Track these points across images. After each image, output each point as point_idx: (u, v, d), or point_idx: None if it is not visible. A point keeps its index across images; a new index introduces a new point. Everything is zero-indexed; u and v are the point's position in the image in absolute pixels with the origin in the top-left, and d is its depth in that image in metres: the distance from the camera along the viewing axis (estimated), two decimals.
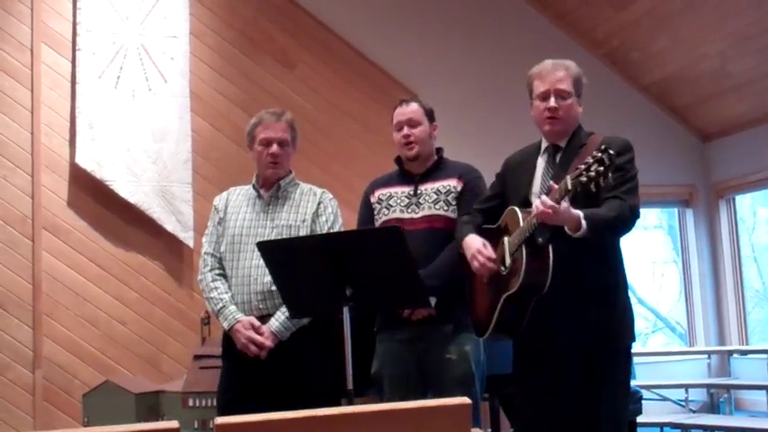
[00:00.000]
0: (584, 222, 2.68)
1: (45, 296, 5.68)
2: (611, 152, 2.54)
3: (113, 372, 5.64)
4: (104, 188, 5.80)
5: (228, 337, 3.43)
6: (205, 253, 3.53)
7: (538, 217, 2.69)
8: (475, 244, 2.99)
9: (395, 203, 3.51)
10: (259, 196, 3.54)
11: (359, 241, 3.03)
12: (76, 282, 5.78)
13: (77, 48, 5.83)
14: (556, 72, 2.99)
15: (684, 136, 7.77)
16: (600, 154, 2.54)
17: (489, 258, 2.93)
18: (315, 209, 3.51)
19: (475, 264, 2.97)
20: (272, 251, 3.08)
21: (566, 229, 2.71)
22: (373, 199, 3.59)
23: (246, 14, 6.39)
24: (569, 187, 2.60)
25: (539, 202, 2.69)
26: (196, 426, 4.18)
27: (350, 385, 2.87)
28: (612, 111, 7.01)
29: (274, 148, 3.49)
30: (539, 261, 2.76)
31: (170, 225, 5.86)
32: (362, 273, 2.90)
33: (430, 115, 3.57)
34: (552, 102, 2.96)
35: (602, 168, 2.52)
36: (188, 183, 5.96)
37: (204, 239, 3.59)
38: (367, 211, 3.61)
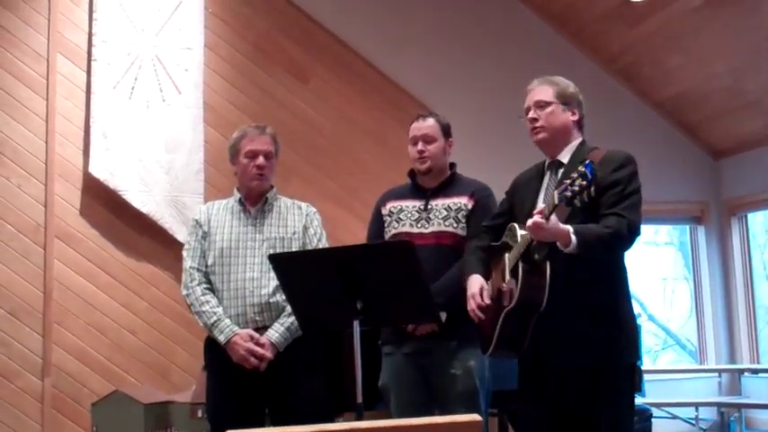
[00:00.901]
0: (573, 238, 2.68)
1: (56, 304, 5.70)
2: (594, 165, 2.56)
3: (122, 381, 5.65)
4: (117, 198, 5.82)
5: (213, 351, 3.42)
6: (190, 267, 3.50)
7: (529, 233, 2.71)
8: (473, 287, 3.01)
9: (405, 217, 3.51)
10: (245, 210, 3.55)
11: (370, 255, 3.03)
12: (87, 290, 5.79)
13: (93, 58, 5.87)
14: (537, 87, 3.04)
15: (696, 152, 7.75)
16: (583, 168, 2.55)
17: (480, 307, 2.94)
18: (303, 222, 3.54)
19: (468, 306, 2.99)
20: (284, 264, 3.08)
21: (558, 245, 2.71)
22: (384, 211, 3.60)
23: (261, 27, 6.42)
24: (556, 202, 2.61)
25: (530, 220, 2.70)
26: None
27: (359, 399, 2.86)
28: (625, 126, 7.01)
29: (260, 160, 3.51)
30: (536, 277, 2.77)
31: (181, 235, 5.84)
32: (373, 286, 2.90)
33: (446, 131, 3.58)
34: (531, 113, 3.00)
35: (584, 183, 2.53)
36: (200, 193, 5.97)
37: (186, 254, 3.55)
38: (377, 223, 3.62)
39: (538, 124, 2.99)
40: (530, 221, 2.70)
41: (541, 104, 2.99)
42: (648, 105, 7.56)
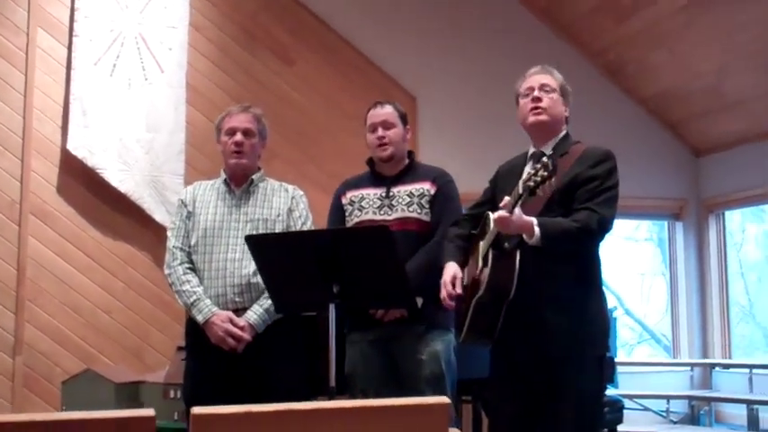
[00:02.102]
0: (537, 230, 2.70)
1: (29, 282, 5.65)
2: (555, 158, 2.62)
3: (96, 361, 5.61)
4: (95, 176, 5.77)
5: (194, 332, 3.41)
6: (173, 246, 3.49)
7: (496, 225, 2.74)
8: (446, 275, 3.00)
9: (367, 205, 3.50)
10: (230, 191, 3.53)
11: (347, 239, 3.03)
12: (62, 269, 5.74)
13: (74, 34, 5.80)
14: (542, 73, 3.05)
15: (678, 150, 7.79)
16: (546, 159, 2.58)
17: (450, 295, 2.93)
18: (288, 204, 3.52)
19: (442, 293, 2.98)
20: (261, 245, 3.06)
21: (524, 237, 2.73)
22: (344, 200, 3.59)
23: (247, 9, 6.37)
24: (520, 191, 2.63)
25: (496, 213, 2.71)
26: (176, 417, 4.15)
27: (332, 382, 2.86)
28: (609, 122, 7.04)
29: (238, 136, 3.49)
30: (504, 266, 2.78)
31: (159, 216, 5.82)
32: (350, 270, 2.90)
33: (404, 119, 3.60)
34: (536, 93, 2.99)
35: (546, 173, 2.56)
36: (180, 174, 5.93)
37: (170, 233, 3.55)
38: (338, 212, 3.61)
39: (542, 104, 2.97)
40: (495, 215, 2.72)
41: (548, 89, 3.00)
42: (632, 102, 7.58)
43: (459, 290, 2.94)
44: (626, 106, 7.54)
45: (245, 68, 6.31)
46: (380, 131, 3.51)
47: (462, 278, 2.99)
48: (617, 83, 7.51)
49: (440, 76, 6.81)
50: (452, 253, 3.10)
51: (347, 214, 3.55)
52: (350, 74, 6.56)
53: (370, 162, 3.60)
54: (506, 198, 2.71)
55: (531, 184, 2.58)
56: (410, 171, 3.54)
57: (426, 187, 3.46)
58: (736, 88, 6.88)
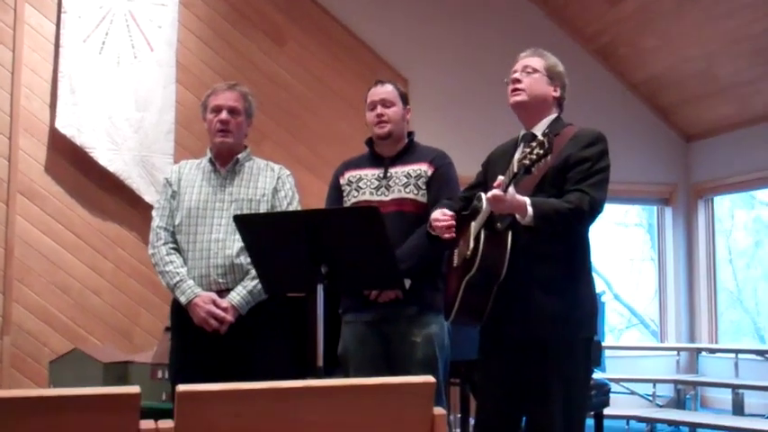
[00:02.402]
0: (530, 209, 2.69)
1: (17, 261, 5.62)
2: (552, 136, 2.60)
3: (84, 341, 5.60)
4: (84, 155, 5.74)
5: (179, 312, 3.39)
6: (157, 227, 3.46)
7: (489, 204, 2.73)
8: (435, 213, 3.02)
9: (364, 185, 3.49)
10: (215, 170, 3.50)
11: (336, 219, 3.01)
12: (51, 249, 5.72)
13: (63, 10, 5.75)
14: (529, 56, 3.06)
15: (668, 135, 7.81)
16: (542, 137, 2.58)
17: (445, 223, 2.93)
18: (274, 184, 3.49)
19: (436, 226, 2.98)
20: (249, 225, 3.04)
21: (516, 217, 2.73)
22: (343, 180, 3.57)
23: None
24: (515, 170, 2.63)
25: (490, 193, 2.71)
26: (164, 398, 4.14)
27: (320, 362, 2.86)
28: (600, 106, 7.04)
29: (223, 114, 3.44)
30: (496, 246, 2.78)
31: (149, 196, 5.79)
32: (339, 251, 2.88)
33: (404, 98, 3.57)
34: (516, 75, 3.01)
35: (541, 151, 2.56)
36: (170, 154, 5.91)
37: (155, 213, 3.52)
38: (336, 192, 3.59)
39: (519, 86, 2.99)
40: (489, 194, 2.71)
41: (529, 70, 3.01)
42: (623, 86, 7.60)
43: (444, 217, 2.94)
44: (617, 90, 7.56)
45: (235, 47, 6.27)
46: (379, 109, 3.48)
47: (453, 254, 2.98)
48: (609, 67, 7.52)
49: (432, 58, 6.80)
50: (441, 204, 3.12)
51: (345, 194, 3.53)
52: (341, 55, 6.53)
53: (369, 142, 3.57)
54: (500, 177, 2.71)
55: (527, 162, 2.57)
56: (409, 152, 3.52)
57: (424, 168, 3.44)
58: (725, 73, 6.89)
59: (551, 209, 2.74)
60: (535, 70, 3.00)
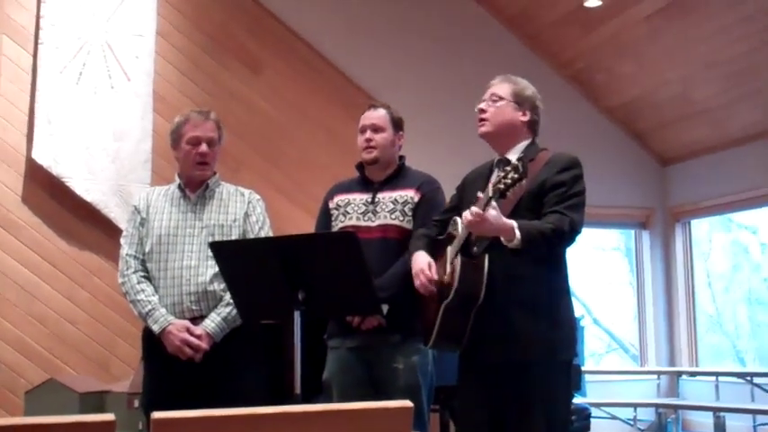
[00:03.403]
0: (517, 232, 2.69)
1: None
2: (526, 160, 2.62)
3: (61, 372, 5.53)
4: (61, 185, 5.71)
5: (150, 340, 3.35)
6: (127, 254, 3.42)
7: (467, 226, 2.72)
8: (420, 262, 2.99)
9: (352, 210, 3.48)
10: (184, 196, 3.47)
11: (313, 245, 2.99)
12: (27, 279, 5.67)
13: (40, 41, 5.75)
14: (497, 83, 3.07)
15: (645, 159, 7.88)
16: (516, 162, 2.60)
17: (430, 280, 2.93)
18: (245, 209, 3.47)
19: (417, 282, 2.98)
20: (225, 251, 3.03)
21: (501, 239, 2.73)
22: (332, 204, 3.56)
23: (215, 17, 6.36)
24: (490, 194, 2.64)
25: (467, 212, 2.71)
26: (140, 427, 4.10)
27: (297, 390, 2.84)
28: (576, 131, 7.09)
29: (203, 147, 3.42)
30: (473, 270, 2.78)
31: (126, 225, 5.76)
32: (316, 277, 2.86)
33: (397, 124, 3.55)
34: (482, 104, 3.03)
35: (516, 176, 2.58)
36: (147, 183, 5.88)
37: (123, 241, 3.48)
38: (325, 216, 3.58)
39: (483, 116, 3.02)
40: (467, 214, 2.70)
41: (495, 98, 3.02)
42: (599, 111, 7.67)
43: (435, 276, 2.93)
44: (593, 115, 7.63)
45: (212, 77, 6.28)
46: (368, 134, 3.48)
47: (435, 266, 2.99)
48: (584, 92, 7.59)
49: (407, 85, 6.83)
50: (420, 244, 3.10)
51: (333, 219, 3.52)
52: (318, 82, 6.56)
53: (360, 166, 3.57)
54: (473, 208, 2.71)
55: (502, 186, 2.58)
56: (398, 177, 3.51)
57: (411, 194, 3.43)
58: (701, 97, 6.98)
59: (537, 231, 2.74)
60: (500, 98, 3.01)
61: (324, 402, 3.43)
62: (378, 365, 3.34)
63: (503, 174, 2.61)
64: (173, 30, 6.20)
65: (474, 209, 2.68)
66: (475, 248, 2.81)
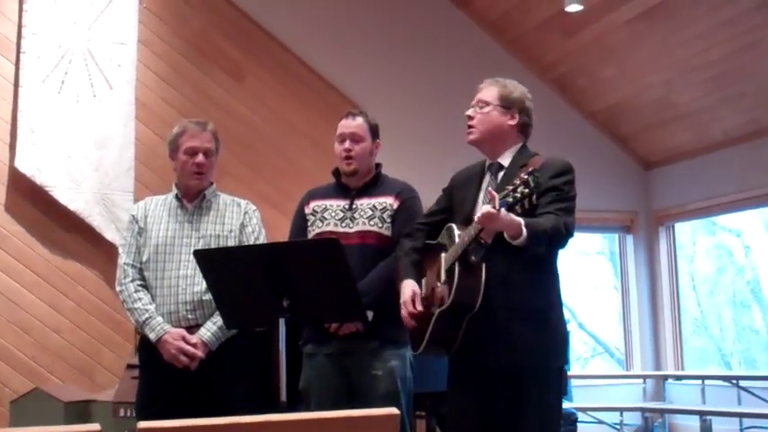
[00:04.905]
0: (524, 230, 2.67)
1: None
2: (537, 174, 2.57)
3: (46, 381, 5.50)
4: (44, 194, 5.69)
5: (147, 349, 3.37)
6: (125, 264, 3.44)
7: (480, 222, 2.67)
8: (406, 293, 2.98)
9: (329, 216, 3.48)
10: (182, 206, 3.49)
11: (297, 252, 2.99)
12: (10, 288, 5.63)
13: (22, 50, 5.73)
14: (485, 87, 3.06)
15: (628, 163, 7.91)
16: (526, 176, 2.57)
17: (411, 314, 2.93)
18: (241, 219, 3.49)
19: (402, 312, 2.97)
20: (209, 260, 3.03)
21: (506, 236, 2.72)
22: (308, 210, 3.56)
23: (197, 25, 6.35)
24: (497, 208, 2.60)
25: (485, 207, 2.68)
26: None
27: (283, 397, 2.83)
28: (559, 135, 7.08)
29: (200, 158, 3.45)
30: (471, 279, 2.77)
31: (110, 233, 5.75)
32: (300, 284, 2.86)
33: (374, 132, 3.55)
34: (470, 111, 3.02)
35: (526, 190, 2.55)
36: (130, 191, 5.87)
37: (121, 250, 3.50)
38: (300, 220, 3.57)
39: (471, 123, 3.01)
40: (484, 208, 2.65)
41: (481, 104, 3.01)
42: (582, 115, 7.69)
43: (419, 308, 2.93)
44: (575, 120, 7.65)
45: (194, 84, 6.27)
46: (347, 144, 3.47)
47: (420, 293, 2.98)
48: (566, 97, 7.61)
49: (390, 92, 6.84)
50: (409, 270, 3.08)
51: (309, 224, 3.51)
52: (300, 90, 6.56)
53: (336, 172, 3.57)
54: (481, 205, 2.68)
55: (510, 200, 2.56)
56: (375, 184, 3.51)
57: (389, 201, 3.44)
58: (683, 101, 7.02)
59: (540, 229, 2.73)
60: (486, 103, 3.00)
61: (302, 410, 3.43)
62: (356, 372, 3.34)
63: (511, 187, 2.58)
64: (154, 37, 6.19)
65: (488, 207, 2.64)
66: (473, 257, 2.79)
